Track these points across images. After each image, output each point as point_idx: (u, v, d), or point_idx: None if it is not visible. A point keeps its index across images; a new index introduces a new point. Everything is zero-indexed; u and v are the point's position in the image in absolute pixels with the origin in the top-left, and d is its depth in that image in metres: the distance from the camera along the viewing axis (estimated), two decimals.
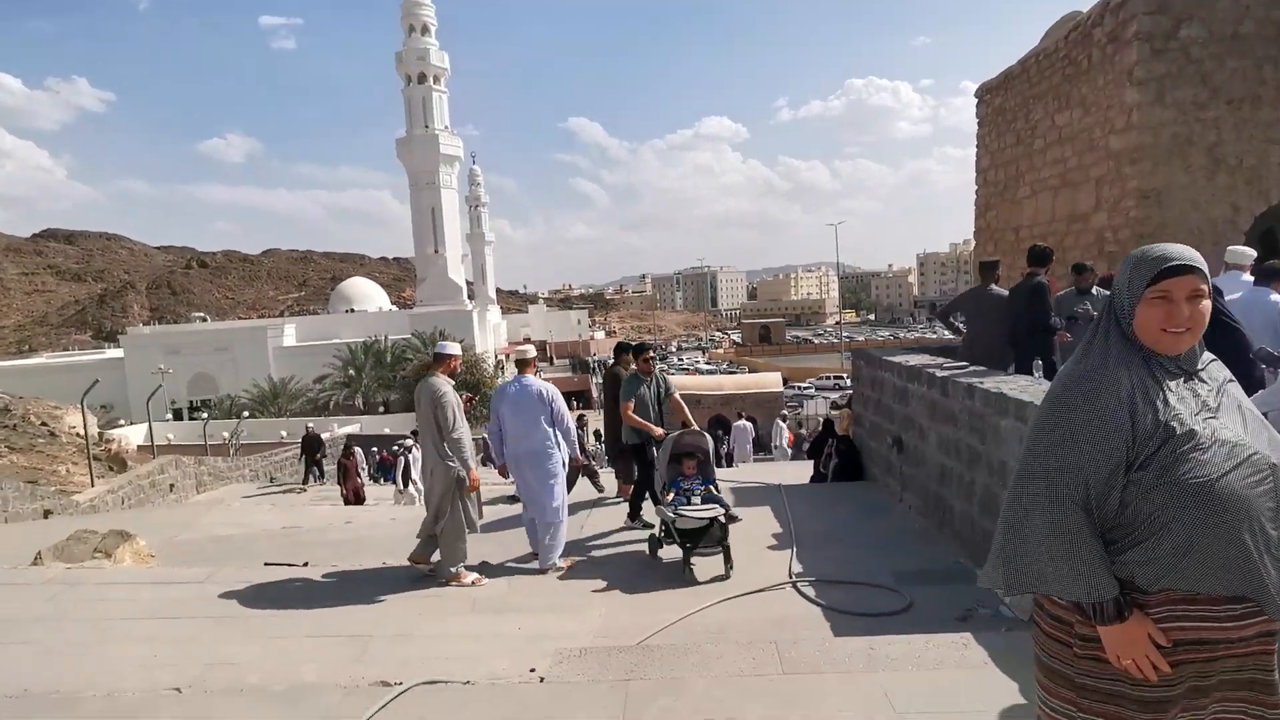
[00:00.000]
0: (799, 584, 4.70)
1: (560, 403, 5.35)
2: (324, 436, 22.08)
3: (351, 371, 42.76)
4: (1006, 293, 6.25)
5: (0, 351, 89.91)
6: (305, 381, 44.05)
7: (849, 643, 3.61)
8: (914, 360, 6.32)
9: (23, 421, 21.33)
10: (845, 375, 68.49)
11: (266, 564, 5.35)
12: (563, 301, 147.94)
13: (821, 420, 9.58)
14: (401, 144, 53.80)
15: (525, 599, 4.75)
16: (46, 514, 11.48)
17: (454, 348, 5.32)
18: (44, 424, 21.53)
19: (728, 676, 3.27)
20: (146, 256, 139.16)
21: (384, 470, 20.23)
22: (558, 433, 5.25)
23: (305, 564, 5.44)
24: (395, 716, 3.03)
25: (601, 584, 4.92)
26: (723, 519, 4.86)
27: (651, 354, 6.37)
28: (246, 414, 37.43)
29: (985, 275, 6.73)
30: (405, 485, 13.54)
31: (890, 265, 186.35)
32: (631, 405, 5.95)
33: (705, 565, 5.06)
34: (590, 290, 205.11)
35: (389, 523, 8.49)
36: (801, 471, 12.93)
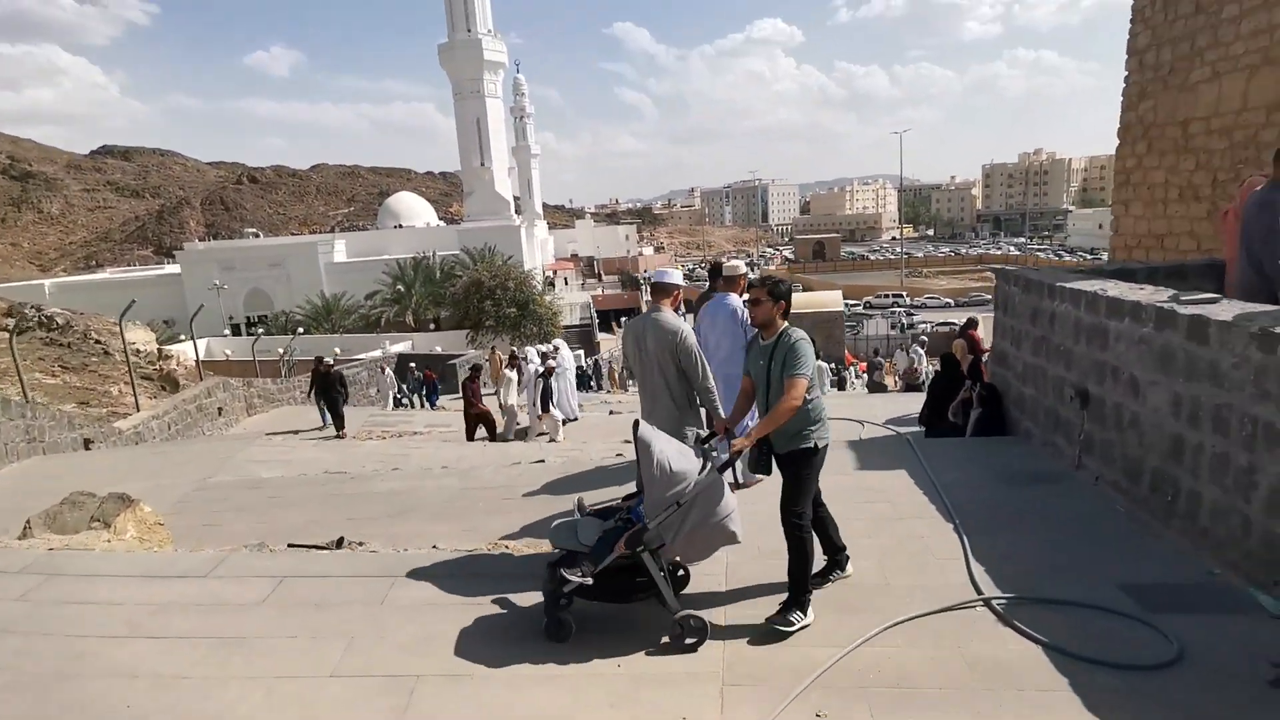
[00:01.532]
0: (995, 603, 3.42)
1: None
2: (369, 357, 21.33)
3: (401, 288, 42.17)
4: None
5: (70, 268, 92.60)
6: (357, 298, 43.74)
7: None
8: (1112, 289, 4.78)
9: (81, 340, 21.15)
10: (905, 294, 65.73)
11: (291, 545, 4.30)
12: (610, 216, 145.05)
13: (940, 357, 8.03)
14: (444, 50, 51.29)
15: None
16: (87, 444, 10.91)
17: (677, 276, 4.38)
18: (98, 341, 21.34)
19: None
20: (199, 172, 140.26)
21: (423, 389, 19.40)
22: None
23: (340, 542, 4.38)
24: None
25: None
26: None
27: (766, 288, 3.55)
28: (301, 330, 37.34)
29: None
30: (545, 408, 11.86)
31: (953, 177, 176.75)
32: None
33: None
34: (638, 205, 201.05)
35: (466, 471, 7.33)
36: (890, 406, 11.57)
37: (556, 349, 13.60)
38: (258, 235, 78.89)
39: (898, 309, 55.21)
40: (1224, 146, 8.39)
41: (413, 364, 22.52)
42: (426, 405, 18.58)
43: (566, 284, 71.32)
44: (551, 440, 11.85)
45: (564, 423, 12.17)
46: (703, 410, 4.31)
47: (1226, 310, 3.72)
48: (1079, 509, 4.51)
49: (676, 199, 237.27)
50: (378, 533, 5.18)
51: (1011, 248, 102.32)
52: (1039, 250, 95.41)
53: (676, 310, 4.24)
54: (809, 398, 3.36)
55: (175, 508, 6.62)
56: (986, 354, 12.12)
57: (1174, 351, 3.96)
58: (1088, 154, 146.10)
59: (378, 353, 28.94)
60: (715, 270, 5.72)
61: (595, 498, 3.73)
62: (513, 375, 12.72)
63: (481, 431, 12.35)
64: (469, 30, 50.83)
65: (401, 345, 34.96)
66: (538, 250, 65.87)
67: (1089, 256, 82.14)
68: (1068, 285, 5.25)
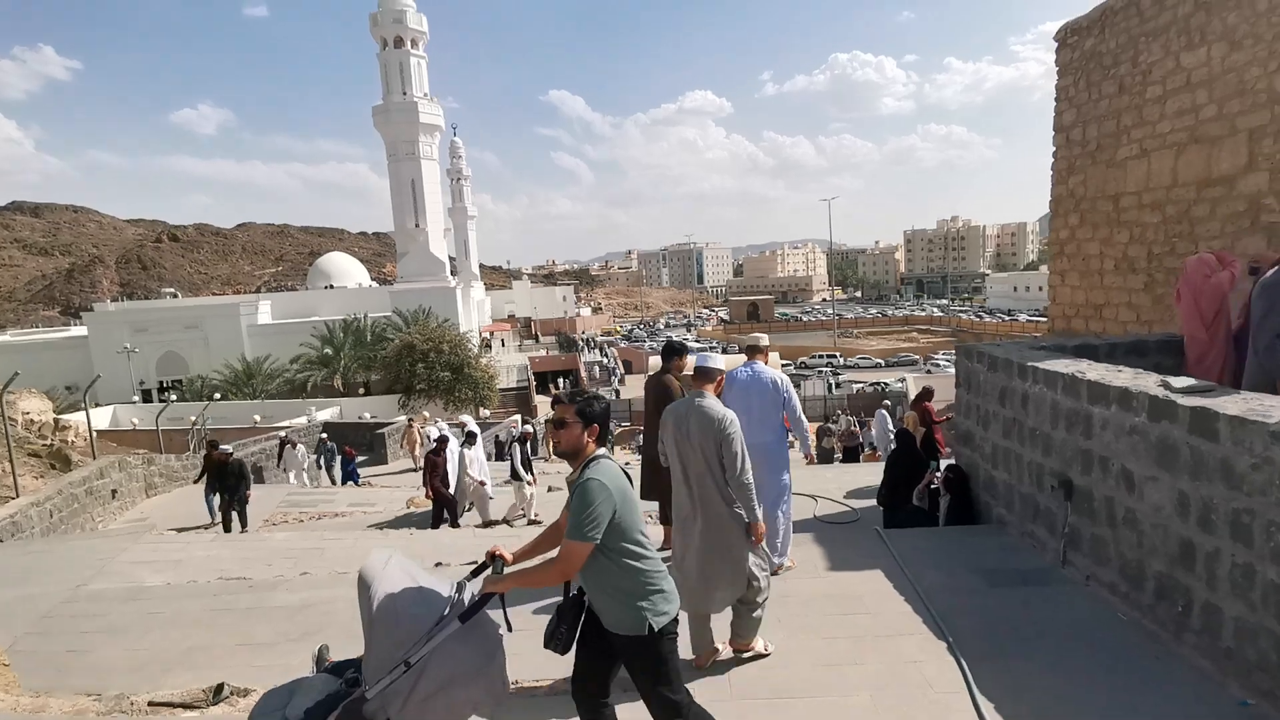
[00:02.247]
0: None
1: (794, 393, 5.10)
2: (284, 432, 19.67)
3: (329, 351, 40.49)
4: None
5: None
6: (282, 361, 41.72)
7: None
8: (1092, 372, 4.49)
9: None
10: (838, 354, 67.19)
11: (153, 704, 3.44)
12: (547, 277, 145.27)
13: (896, 433, 7.64)
14: (379, 112, 50.91)
15: None
16: None
17: (720, 361, 4.17)
18: None
19: None
20: (116, 230, 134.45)
21: (337, 463, 17.98)
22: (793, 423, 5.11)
23: (219, 691, 3.54)
24: None
25: None
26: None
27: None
28: (218, 396, 35.19)
29: None
30: (519, 479, 10.90)
31: (877, 242, 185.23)
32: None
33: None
34: (575, 266, 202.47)
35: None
36: (845, 478, 11.17)
37: (463, 425, 12.52)
38: (175, 295, 75.36)
39: (825, 369, 56.22)
40: (1157, 220, 8.55)
41: (324, 434, 21.06)
42: (350, 482, 17.31)
43: (504, 345, 70.38)
44: (526, 518, 11.07)
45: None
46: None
47: (1233, 403, 3.41)
48: (1078, 617, 4.07)
49: (614, 260, 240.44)
50: (274, 664, 4.35)
51: (935, 309, 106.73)
52: (960, 311, 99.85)
53: (719, 396, 4.05)
54: (632, 564, 2.61)
55: (39, 625, 5.60)
56: (941, 422, 12.01)
57: (1175, 446, 3.62)
58: (999, 221, 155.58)
59: (302, 420, 27.35)
60: (669, 351, 5.24)
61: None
62: (472, 454, 11.68)
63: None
64: (404, 93, 50.72)
65: (328, 411, 33.30)
66: (474, 311, 64.91)
67: (1007, 317, 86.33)
68: (1041, 366, 4.96)
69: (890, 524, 6.67)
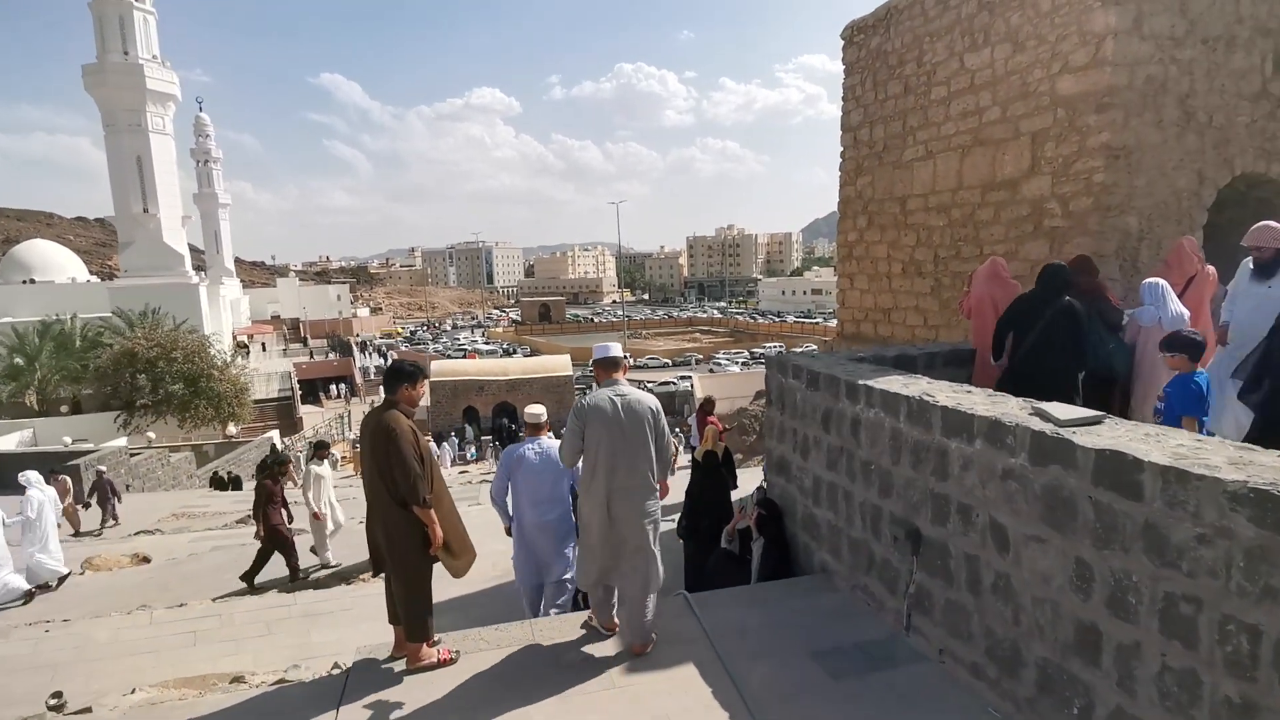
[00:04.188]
0: None
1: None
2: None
3: (20, 361, 32.61)
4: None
5: None
6: None
7: None
8: (943, 395, 3.61)
9: None
10: (629, 355, 67.91)
11: None
12: (320, 275, 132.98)
13: (700, 455, 6.54)
14: (91, 73, 42.20)
15: None
16: None
17: (619, 349, 4.26)
18: None
19: None
20: None
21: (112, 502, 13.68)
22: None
23: None
24: None
25: None
26: None
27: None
28: None
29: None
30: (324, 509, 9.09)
31: (662, 247, 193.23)
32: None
33: None
34: (352, 263, 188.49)
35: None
36: None
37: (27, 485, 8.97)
38: None
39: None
40: (943, 224, 8.43)
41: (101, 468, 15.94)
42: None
43: (264, 350, 62.75)
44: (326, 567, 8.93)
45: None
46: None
47: (1156, 446, 2.55)
48: (944, 715, 3.11)
49: (396, 258, 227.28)
50: None
51: (715, 311, 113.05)
52: (737, 313, 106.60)
53: None
54: None
55: None
56: (723, 432, 11.32)
57: (1071, 500, 2.74)
58: (770, 230, 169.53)
59: None
60: (396, 376, 3.61)
61: None
62: (323, 470, 9.17)
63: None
64: (126, 53, 42.60)
65: (14, 436, 26.71)
66: (226, 312, 56.91)
67: (777, 319, 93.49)
68: (876, 385, 4.03)
69: (696, 576, 5.58)
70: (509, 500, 5.09)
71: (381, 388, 3.71)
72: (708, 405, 10.17)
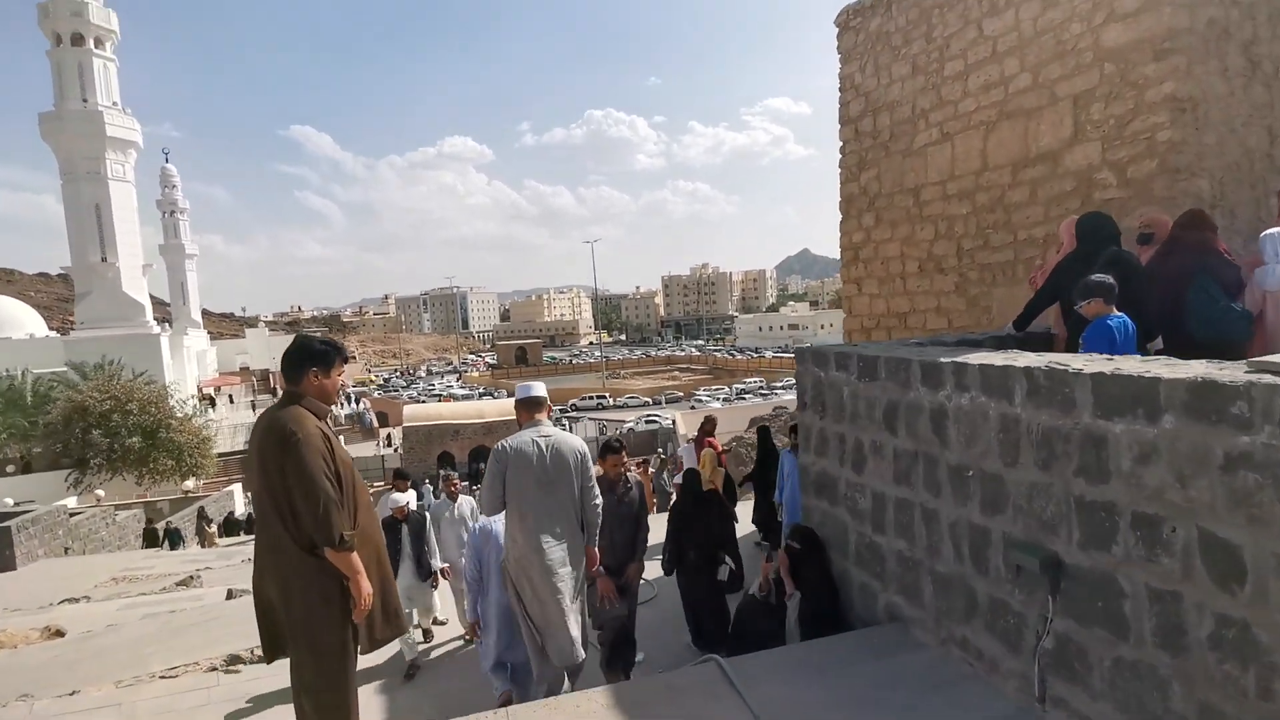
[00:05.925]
0: None
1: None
2: None
3: None
4: None
5: None
6: None
7: None
8: (1078, 362, 2.55)
9: None
10: (608, 395, 66.73)
11: None
12: (291, 325, 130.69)
13: (683, 475, 5.35)
14: (48, 120, 40.99)
15: None
16: None
17: (542, 388, 4.03)
18: None
19: None
20: None
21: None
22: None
23: None
24: None
25: None
26: None
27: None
28: None
29: None
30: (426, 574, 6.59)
31: (638, 287, 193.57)
32: None
33: None
34: (325, 313, 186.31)
35: None
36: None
37: None
38: None
39: (601, 407, 55.54)
40: (966, 212, 7.52)
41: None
42: None
43: (232, 402, 60.74)
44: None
45: None
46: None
47: None
48: None
49: (369, 306, 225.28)
50: None
51: (693, 349, 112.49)
52: (715, 350, 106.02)
53: None
54: None
55: None
56: (723, 454, 10.22)
57: None
58: (744, 268, 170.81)
59: None
60: (296, 355, 2.48)
61: None
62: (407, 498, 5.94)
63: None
64: (85, 100, 41.50)
65: None
66: (192, 363, 55.02)
67: (755, 354, 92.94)
68: (970, 361, 2.96)
69: (711, 627, 4.42)
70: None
71: (280, 374, 2.57)
72: (708, 425, 9.08)
